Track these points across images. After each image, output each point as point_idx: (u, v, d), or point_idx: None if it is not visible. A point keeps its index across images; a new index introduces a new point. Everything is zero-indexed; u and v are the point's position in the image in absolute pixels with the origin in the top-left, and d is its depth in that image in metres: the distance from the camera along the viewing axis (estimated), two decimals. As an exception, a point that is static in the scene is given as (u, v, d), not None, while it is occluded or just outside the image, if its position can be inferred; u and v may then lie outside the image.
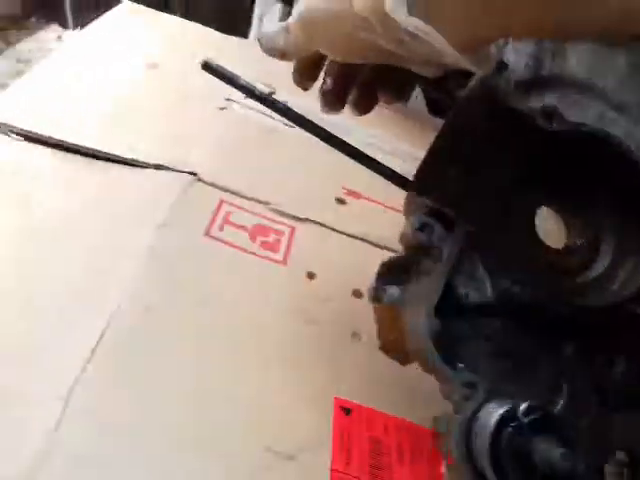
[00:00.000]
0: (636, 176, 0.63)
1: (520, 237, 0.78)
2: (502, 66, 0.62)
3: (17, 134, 1.11)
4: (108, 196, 1.06)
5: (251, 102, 1.26)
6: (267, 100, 0.86)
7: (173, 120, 1.28)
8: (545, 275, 0.78)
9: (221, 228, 1.08)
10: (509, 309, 0.74)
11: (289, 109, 0.86)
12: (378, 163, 0.84)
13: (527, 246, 0.78)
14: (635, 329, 0.73)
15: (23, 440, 0.67)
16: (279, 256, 1.07)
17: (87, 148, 1.12)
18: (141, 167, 1.14)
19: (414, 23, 0.44)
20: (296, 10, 0.59)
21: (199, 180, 1.16)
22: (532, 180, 0.72)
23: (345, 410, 0.86)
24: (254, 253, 1.05)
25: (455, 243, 0.73)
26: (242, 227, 1.10)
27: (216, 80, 0.87)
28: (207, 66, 0.86)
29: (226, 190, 1.16)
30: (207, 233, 1.05)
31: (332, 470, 0.77)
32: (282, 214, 1.14)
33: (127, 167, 1.14)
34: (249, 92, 0.87)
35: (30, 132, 1.11)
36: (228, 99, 1.37)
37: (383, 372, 0.89)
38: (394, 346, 0.83)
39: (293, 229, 1.13)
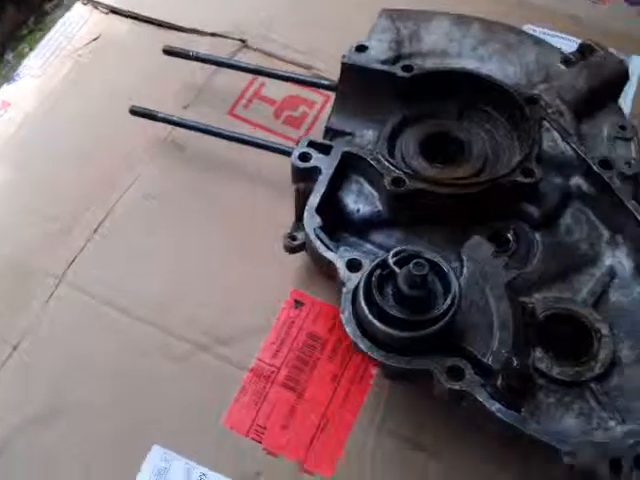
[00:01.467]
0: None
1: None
2: (361, 48, 0.95)
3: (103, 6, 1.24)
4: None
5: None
6: None
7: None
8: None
9: (247, 105, 1.09)
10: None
11: None
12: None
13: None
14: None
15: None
16: (298, 134, 1.06)
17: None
18: (199, 34, 1.18)
19: None
20: None
21: (246, 47, 1.15)
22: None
23: (297, 303, 0.90)
24: (273, 131, 1.06)
25: (332, 159, 0.83)
26: (271, 101, 1.10)
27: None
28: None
29: (271, 55, 1.14)
30: (230, 111, 1.08)
31: (256, 359, 0.86)
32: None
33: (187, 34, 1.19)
34: None
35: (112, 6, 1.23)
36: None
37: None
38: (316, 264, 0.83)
39: (327, 99, 1.08)
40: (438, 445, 0.80)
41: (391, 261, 0.67)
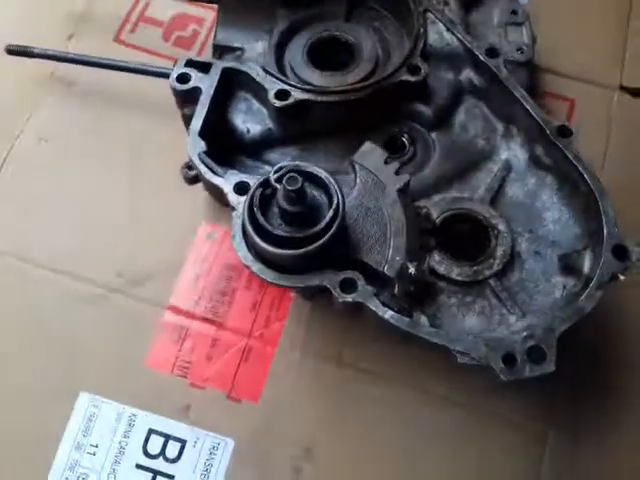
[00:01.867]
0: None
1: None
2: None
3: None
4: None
5: None
6: None
7: None
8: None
9: (133, 29, 1.02)
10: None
11: None
12: None
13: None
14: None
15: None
16: (191, 55, 1.00)
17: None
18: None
19: None
20: None
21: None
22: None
23: (209, 235, 0.89)
24: (163, 55, 1.00)
25: (212, 77, 0.78)
26: (158, 22, 1.03)
27: None
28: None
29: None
30: (117, 38, 1.02)
31: (174, 296, 0.86)
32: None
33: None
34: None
35: None
36: None
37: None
38: (209, 191, 0.81)
39: (213, 23, 1.01)
40: (361, 360, 0.82)
41: (272, 178, 0.66)
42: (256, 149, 0.81)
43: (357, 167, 0.75)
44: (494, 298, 0.71)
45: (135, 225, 0.90)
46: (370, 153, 0.76)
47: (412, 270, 0.68)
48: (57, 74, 0.99)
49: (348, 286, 0.66)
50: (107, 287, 0.86)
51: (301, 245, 0.64)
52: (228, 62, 0.81)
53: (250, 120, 0.81)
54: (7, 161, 0.94)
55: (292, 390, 0.82)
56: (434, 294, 0.71)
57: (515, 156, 0.79)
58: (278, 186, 0.65)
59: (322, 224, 0.64)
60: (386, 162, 0.75)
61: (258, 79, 0.78)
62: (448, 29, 0.81)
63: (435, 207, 0.76)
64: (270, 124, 0.80)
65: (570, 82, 0.95)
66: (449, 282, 0.72)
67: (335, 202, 0.64)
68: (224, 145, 0.80)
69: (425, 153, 0.81)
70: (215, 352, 0.84)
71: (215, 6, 0.94)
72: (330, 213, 0.64)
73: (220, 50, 0.91)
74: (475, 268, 0.72)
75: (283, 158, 0.81)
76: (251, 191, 0.67)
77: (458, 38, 0.81)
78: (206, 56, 0.99)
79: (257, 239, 0.65)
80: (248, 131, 0.80)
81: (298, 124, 0.80)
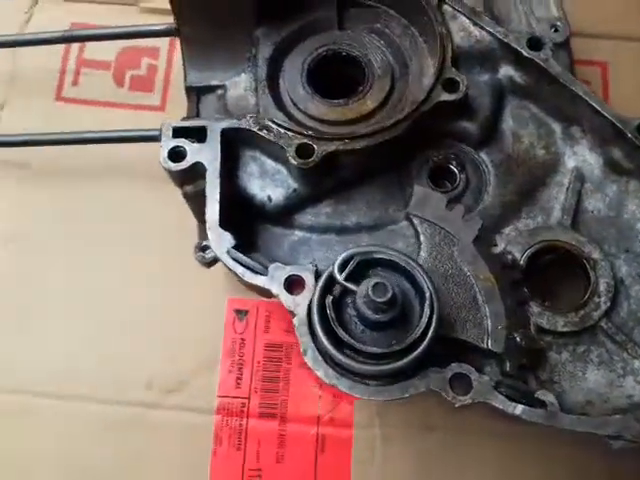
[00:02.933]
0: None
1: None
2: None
3: None
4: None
5: None
6: None
7: None
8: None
9: (76, 80, 0.84)
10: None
11: None
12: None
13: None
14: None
15: None
16: (153, 98, 0.83)
17: None
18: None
19: None
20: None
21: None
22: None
23: (239, 313, 0.76)
24: (121, 105, 0.83)
25: (212, 146, 0.63)
26: (103, 64, 0.85)
27: None
28: None
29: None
30: (58, 95, 0.83)
31: (218, 396, 0.73)
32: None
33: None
34: None
35: None
36: None
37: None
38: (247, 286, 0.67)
39: (173, 40, 0.84)
40: (452, 418, 0.72)
41: (340, 278, 0.53)
42: (283, 216, 0.67)
43: (416, 221, 0.62)
44: (610, 342, 0.61)
45: (149, 323, 0.76)
46: (426, 200, 0.64)
47: (520, 339, 0.58)
48: (4, 158, 0.80)
49: (461, 385, 0.55)
50: (138, 404, 0.73)
51: (395, 357, 0.53)
52: (223, 121, 0.65)
53: (269, 185, 0.66)
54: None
55: (384, 471, 0.72)
56: (543, 353, 0.61)
57: (585, 162, 0.67)
58: (353, 287, 0.52)
59: (419, 329, 0.52)
60: (448, 207, 0.63)
61: (269, 137, 0.64)
62: (475, 23, 0.67)
63: (513, 245, 0.64)
64: (294, 184, 0.66)
65: (599, 43, 0.83)
66: (555, 335, 0.62)
67: (428, 295, 0.52)
68: (241, 215, 0.66)
69: (478, 178, 0.68)
70: (285, 451, 0.72)
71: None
72: (426, 311, 0.52)
73: (196, 92, 0.74)
74: (581, 312, 0.62)
75: (316, 219, 0.67)
76: (316, 295, 0.54)
77: (489, 32, 0.67)
78: (175, 95, 0.83)
79: (344, 359, 0.52)
80: (270, 199, 0.66)
81: (327, 178, 0.66)
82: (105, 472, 0.71)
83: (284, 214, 0.67)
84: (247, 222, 0.67)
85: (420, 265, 0.54)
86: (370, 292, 0.50)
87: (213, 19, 0.71)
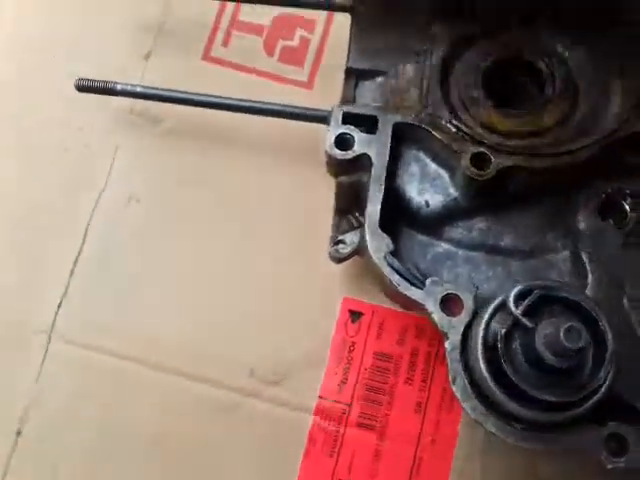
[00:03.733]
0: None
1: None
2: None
3: None
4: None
5: None
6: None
7: None
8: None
9: (227, 40, 0.80)
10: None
11: None
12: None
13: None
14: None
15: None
16: (302, 73, 0.79)
17: None
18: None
19: None
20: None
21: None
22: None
23: (353, 315, 0.72)
24: (269, 74, 0.79)
25: (382, 140, 0.60)
26: (256, 28, 0.81)
27: None
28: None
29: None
30: (206, 54, 0.80)
31: (319, 397, 0.69)
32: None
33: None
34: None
35: None
36: None
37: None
38: (389, 294, 0.63)
39: (332, 13, 0.80)
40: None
41: (517, 311, 0.48)
42: (433, 224, 0.63)
43: (586, 258, 0.57)
44: None
45: (258, 308, 0.72)
46: (600, 236, 0.58)
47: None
48: (138, 108, 0.78)
49: (618, 446, 0.49)
50: (238, 391, 0.70)
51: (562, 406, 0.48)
52: (396, 115, 0.61)
53: (428, 190, 0.62)
54: (91, 228, 0.75)
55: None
56: None
57: None
58: (529, 324, 0.47)
59: (594, 384, 0.47)
60: (623, 247, 0.57)
61: (443, 138, 0.59)
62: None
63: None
64: (454, 193, 0.62)
65: None
66: None
67: (610, 350, 0.47)
68: (389, 215, 0.61)
69: (653, 219, 0.62)
70: (379, 467, 0.68)
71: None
72: (606, 367, 0.47)
73: (356, 75, 0.70)
74: None
75: (467, 234, 0.62)
76: (483, 323, 0.49)
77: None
78: (324, 74, 0.79)
79: (504, 398, 0.48)
80: (427, 204, 0.62)
81: (492, 193, 0.61)
82: (193, 453, 0.69)
83: (436, 223, 0.63)
84: (394, 226, 0.63)
85: (604, 317, 0.48)
86: (563, 337, 0.44)
87: (395, 6, 0.66)
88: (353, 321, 0.72)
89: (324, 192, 0.67)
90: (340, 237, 0.65)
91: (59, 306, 0.73)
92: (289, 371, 0.70)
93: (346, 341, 0.71)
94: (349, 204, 0.64)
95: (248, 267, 0.73)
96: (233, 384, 0.70)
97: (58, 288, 0.73)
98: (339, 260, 0.66)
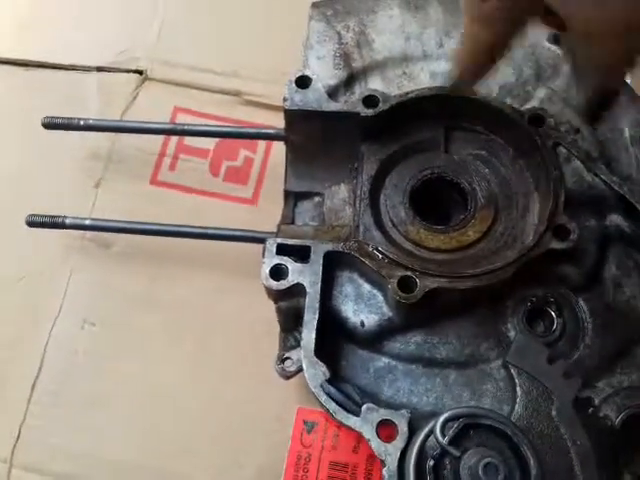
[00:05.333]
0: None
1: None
2: (303, 81, 0.71)
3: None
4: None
5: None
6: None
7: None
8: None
9: (173, 165, 0.85)
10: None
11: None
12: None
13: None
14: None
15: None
16: (247, 191, 0.84)
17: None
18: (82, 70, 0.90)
19: None
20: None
21: (147, 79, 0.89)
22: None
23: (308, 425, 0.74)
24: (214, 194, 0.84)
25: (314, 269, 0.63)
26: (201, 152, 0.86)
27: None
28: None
29: (182, 85, 0.88)
30: (154, 179, 0.84)
31: (278, 517, 0.71)
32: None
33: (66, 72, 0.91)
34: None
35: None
36: None
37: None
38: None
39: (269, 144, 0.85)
40: None
41: (443, 441, 0.51)
42: (372, 340, 0.66)
43: (514, 371, 0.60)
44: None
45: (217, 426, 0.74)
46: (527, 350, 0.62)
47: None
48: (89, 235, 0.82)
49: None
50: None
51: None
52: (328, 244, 0.65)
53: (363, 310, 0.65)
54: (47, 352, 0.77)
55: None
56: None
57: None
58: (456, 453, 0.50)
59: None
60: (550, 361, 0.61)
61: (372, 265, 0.63)
62: (590, 170, 0.67)
63: (608, 405, 0.62)
64: (388, 312, 0.65)
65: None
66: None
67: (533, 474, 0.50)
68: (328, 333, 0.65)
69: (575, 325, 0.66)
70: None
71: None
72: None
73: (294, 197, 0.75)
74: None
75: (405, 347, 0.66)
76: (414, 455, 0.52)
77: (604, 181, 0.66)
78: (268, 189, 0.83)
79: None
80: (362, 324, 0.65)
81: (423, 310, 0.64)
82: None
83: (374, 340, 0.66)
84: (335, 342, 0.66)
85: (528, 439, 0.51)
86: (481, 473, 0.47)
87: (322, 133, 0.72)
88: (308, 431, 0.74)
89: (272, 307, 0.71)
90: (286, 354, 0.68)
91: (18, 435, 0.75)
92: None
93: (302, 453, 0.73)
94: (292, 324, 0.67)
95: (202, 385, 0.76)
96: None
97: (17, 416, 0.75)
98: (287, 377, 0.68)
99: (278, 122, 0.73)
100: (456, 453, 0.50)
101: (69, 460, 0.73)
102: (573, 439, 0.57)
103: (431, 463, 0.51)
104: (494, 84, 0.75)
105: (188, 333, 0.78)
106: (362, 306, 0.66)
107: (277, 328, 0.70)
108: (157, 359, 0.77)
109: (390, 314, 0.65)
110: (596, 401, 0.62)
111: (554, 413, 0.58)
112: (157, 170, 0.85)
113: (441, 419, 0.52)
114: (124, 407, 0.75)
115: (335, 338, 0.66)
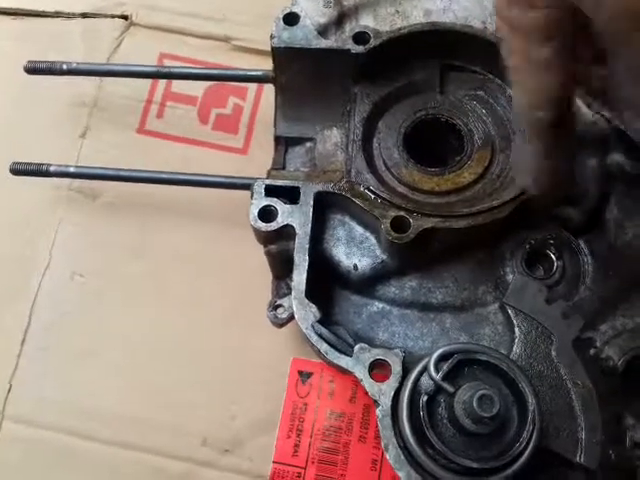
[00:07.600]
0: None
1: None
2: (291, 18, 0.68)
3: None
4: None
5: None
6: None
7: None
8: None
9: (161, 112, 0.82)
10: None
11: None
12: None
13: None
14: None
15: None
16: (236, 140, 0.81)
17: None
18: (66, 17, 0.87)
19: None
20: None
21: (133, 24, 0.85)
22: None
23: (303, 375, 0.73)
24: (203, 143, 0.81)
25: (304, 209, 0.62)
26: (189, 99, 0.83)
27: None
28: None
29: (168, 30, 0.85)
30: (141, 128, 0.82)
31: (273, 462, 0.70)
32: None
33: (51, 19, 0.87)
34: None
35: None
36: None
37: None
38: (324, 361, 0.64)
39: (261, 86, 0.82)
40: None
41: (437, 377, 0.50)
42: (366, 285, 0.64)
43: (511, 312, 0.59)
44: None
45: (211, 376, 0.73)
46: (524, 290, 0.60)
47: (614, 456, 0.54)
48: (76, 185, 0.79)
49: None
50: (192, 460, 0.70)
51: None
52: (318, 184, 0.62)
53: (356, 253, 0.63)
54: (37, 304, 0.76)
55: None
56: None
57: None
58: (450, 389, 0.49)
59: (520, 446, 0.48)
60: (547, 301, 0.59)
61: (364, 205, 0.61)
62: (589, 106, 0.64)
63: (610, 347, 0.60)
64: (382, 255, 0.63)
65: None
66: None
67: (531, 410, 0.48)
68: (321, 281, 0.63)
69: (576, 267, 0.64)
70: (339, 529, 0.69)
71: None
72: (528, 427, 0.48)
73: (284, 143, 0.72)
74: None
75: (400, 292, 0.64)
76: (407, 391, 0.51)
77: (606, 118, 0.63)
78: (258, 138, 0.81)
79: (433, 466, 0.49)
80: (355, 267, 0.63)
81: (417, 253, 0.63)
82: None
83: (367, 284, 0.64)
84: (327, 287, 0.64)
85: (525, 375, 0.50)
86: (475, 405, 0.46)
87: (312, 73, 0.69)
88: (303, 382, 0.73)
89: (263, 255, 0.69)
90: (278, 301, 0.66)
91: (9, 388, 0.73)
92: (242, 438, 0.71)
93: (297, 403, 0.72)
94: (283, 270, 0.65)
95: (194, 335, 0.74)
96: (186, 454, 0.70)
97: (8, 369, 0.74)
98: (279, 325, 0.67)
99: (268, 68, 0.70)
100: (450, 389, 0.49)
101: (60, 412, 0.72)
102: (574, 380, 0.55)
103: (425, 399, 0.49)
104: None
105: (179, 283, 0.76)
106: (354, 249, 0.64)
107: (270, 277, 0.69)
108: (148, 310, 0.75)
109: (384, 257, 0.63)
110: (598, 342, 0.60)
111: (554, 354, 0.57)
112: (144, 118, 0.82)
113: (435, 355, 0.50)
114: (115, 358, 0.74)
115: (328, 284, 0.65)
